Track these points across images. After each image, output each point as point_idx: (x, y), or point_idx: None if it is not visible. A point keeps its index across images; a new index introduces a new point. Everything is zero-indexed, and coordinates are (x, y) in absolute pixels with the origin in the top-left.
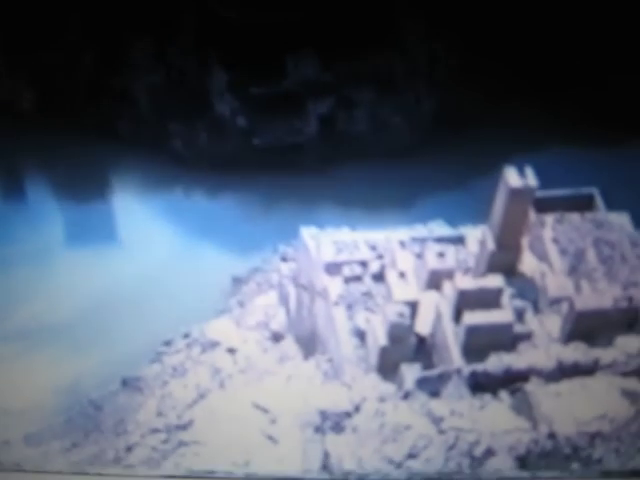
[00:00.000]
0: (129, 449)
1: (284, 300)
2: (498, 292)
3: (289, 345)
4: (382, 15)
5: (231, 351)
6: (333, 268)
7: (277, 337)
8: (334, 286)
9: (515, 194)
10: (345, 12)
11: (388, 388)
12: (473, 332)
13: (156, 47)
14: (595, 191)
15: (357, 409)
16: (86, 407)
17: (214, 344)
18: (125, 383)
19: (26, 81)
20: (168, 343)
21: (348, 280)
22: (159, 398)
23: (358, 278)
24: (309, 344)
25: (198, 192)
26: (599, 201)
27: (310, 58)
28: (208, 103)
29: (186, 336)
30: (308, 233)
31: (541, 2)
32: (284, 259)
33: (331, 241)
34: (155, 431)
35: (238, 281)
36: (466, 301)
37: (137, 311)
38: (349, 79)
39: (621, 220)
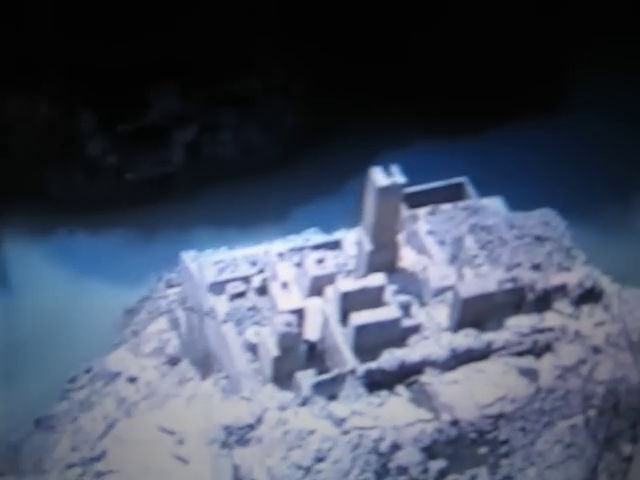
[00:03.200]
0: None
1: (175, 325)
2: (381, 290)
3: (186, 367)
4: (235, 37)
5: (132, 380)
6: (217, 288)
7: (173, 361)
8: (220, 305)
9: (383, 193)
10: (198, 39)
11: (286, 396)
12: (362, 332)
13: (25, 97)
14: (465, 180)
15: (259, 420)
16: (5, 451)
17: (115, 375)
18: (38, 423)
19: None
20: (73, 380)
21: (233, 297)
22: (71, 434)
23: (242, 294)
24: (205, 364)
25: (81, 232)
26: (470, 189)
27: (170, 89)
28: (79, 146)
29: (88, 371)
30: (189, 257)
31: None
32: (170, 285)
33: (212, 262)
34: (71, 466)
35: (130, 312)
36: (351, 303)
37: (41, 353)
38: (210, 104)
39: (495, 204)
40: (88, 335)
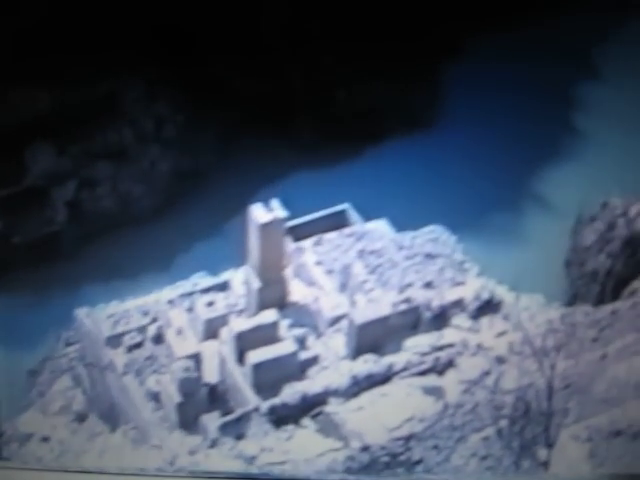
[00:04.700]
0: None
1: (78, 381)
2: (274, 326)
3: (94, 422)
4: (99, 88)
5: (45, 439)
6: (114, 341)
7: (81, 417)
8: (118, 357)
9: (265, 229)
10: (64, 94)
11: (195, 440)
12: (260, 369)
13: None
14: (347, 206)
15: (171, 465)
16: None
17: (28, 436)
18: None
19: None
20: None
21: (131, 349)
22: None
23: (139, 345)
24: (112, 416)
25: None
26: (353, 214)
27: (44, 149)
28: None
29: (1, 435)
30: (83, 313)
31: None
32: (68, 343)
33: (105, 316)
34: None
35: (33, 373)
36: (245, 341)
37: None
38: (85, 159)
39: (380, 227)
40: None
